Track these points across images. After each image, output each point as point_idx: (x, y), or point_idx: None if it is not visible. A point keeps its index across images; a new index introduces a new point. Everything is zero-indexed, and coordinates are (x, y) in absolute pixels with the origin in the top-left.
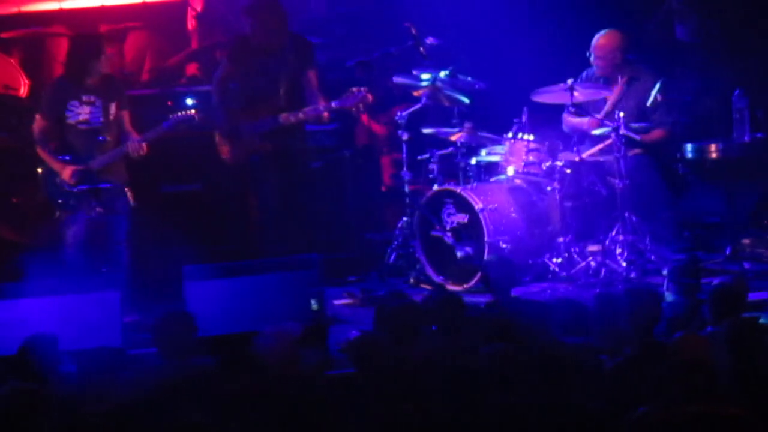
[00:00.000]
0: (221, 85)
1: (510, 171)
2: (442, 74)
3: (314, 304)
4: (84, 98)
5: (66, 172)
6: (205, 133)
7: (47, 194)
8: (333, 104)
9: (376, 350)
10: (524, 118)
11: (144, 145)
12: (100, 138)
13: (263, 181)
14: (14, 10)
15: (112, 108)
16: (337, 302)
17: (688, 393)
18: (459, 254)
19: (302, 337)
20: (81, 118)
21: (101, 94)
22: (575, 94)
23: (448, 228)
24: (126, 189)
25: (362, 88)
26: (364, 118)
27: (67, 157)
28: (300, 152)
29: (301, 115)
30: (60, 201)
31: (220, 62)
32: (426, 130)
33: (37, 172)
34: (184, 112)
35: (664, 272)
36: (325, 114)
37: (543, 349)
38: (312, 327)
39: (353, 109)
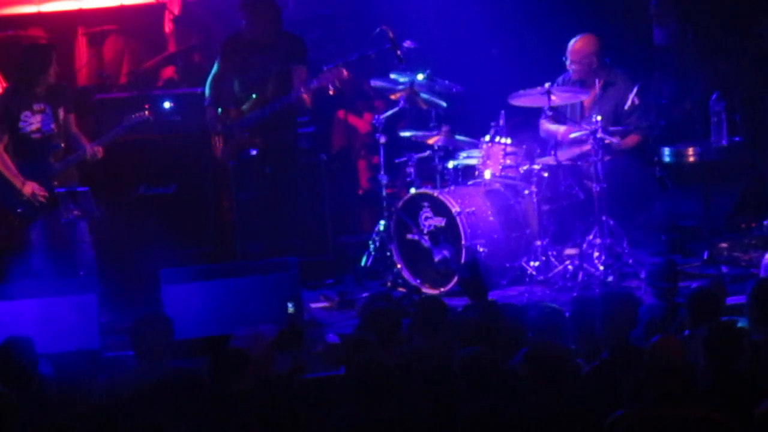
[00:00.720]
0: (214, 86)
1: (487, 174)
2: (420, 77)
3: (290, 308)
4: (35, 107)
5: (27, 189)
6: (179, 136)
7: (4, 203)
8: (312, 83)
9: (360, 351)
10: (501, 122)
11: (100, 149)
12: (53, 145)
13: (247, 178)
14: None
15: (61, 113)
16: (313, 305)
17: (665, 396)
18: (436, 258)
19: (277, 340)
20: (34, 127)
21: (50, 100)
22: (552, 97)
23: (425, 231)
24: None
25: (338, 63)
26: (341, 113)
27: (25, 166)
28: (288, 148)
29: (278, 106)
30: (20, 210)
31: (215, 62)
32: (403, 134)
33: None
34: (139, 114)
35: (642, 276)
36: (305, 96)
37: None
38: (288, 330)
39: (330, 86)
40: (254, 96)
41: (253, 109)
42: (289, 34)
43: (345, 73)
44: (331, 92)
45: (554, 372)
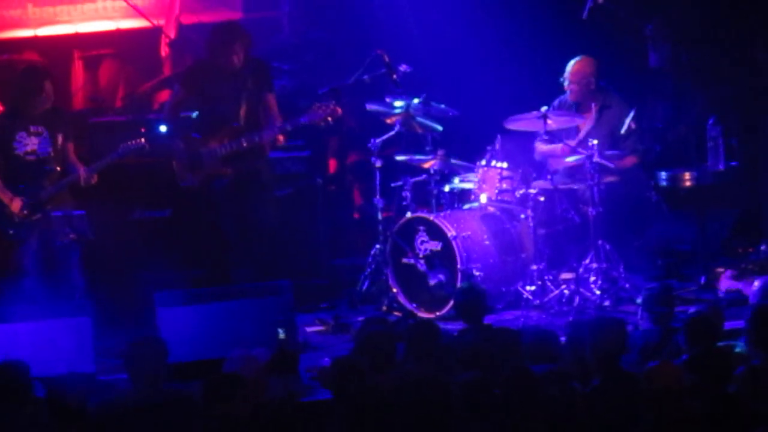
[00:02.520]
0: (172, 112)
1: (483, 198)
2: (415, 101)
3: (281, 333)
4: (32, 129)
5: (15, 205)
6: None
7: None
8: (300, 119)
9: (353, 376)
10: (497, 146)
11: (95, 175)
12: (47, 168)
13: (224, 206)
14: None
15: (59, 139)
16: (308, 329)
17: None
18: (431, 282)
19: (270, 364)
20: (29, 148)
21: (48, 124)
22: (548, 121)
23: (420, 255)
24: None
25: (330, 102)
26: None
27: (21, 186)
28: (261, 175)
29: (257, 138)
30: (11, 232)
31: (175, 89)
32: (399, 158)
33: None
34: (134, 141)
35: (638, 300)
36: (280, 137)
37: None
38: (281, 353)
39: (322, 122)
40: (226, 125)
41: (227, 139)
42: (254, 60)
43: (338, 111)
44: (322, 126)
45: (528, 396)
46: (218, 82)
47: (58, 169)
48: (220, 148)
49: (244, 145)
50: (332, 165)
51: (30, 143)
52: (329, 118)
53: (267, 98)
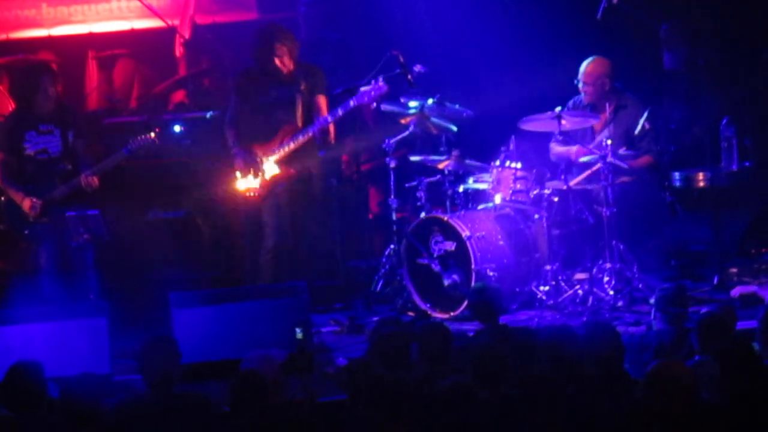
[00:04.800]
0: (233, 125)
1: (497, 199)
2: (430, 102)
3: (299, 333)
4: (41, 128)
5: (27, 205)
6: (189, 160)
7: (12, 225)
8: (349, 103)
9: (368, 376)
10: (512, 146)
11: (95, 178)
12: (60, 167)
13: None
14: (3, 37)
15: (70, 136)
16: (323, 329)
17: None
18: (446, 282)
19: (287, 364)
20: (40, 148)
21: (58, 122)
22: (563, 122)
23: (435, 255)
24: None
25: (379, 79)
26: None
27: (32, 186)
28: (313, 177)
29: (311, 132)
30: (26, 232)
31: (228, 102)
32: (413, 158)
33: (1, 201)
34: (141, 137)
35: (652, 300)
36: (331, 131)
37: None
38: (297, 354)
39: (372, 103)
40: (283, 128)
41: (282, 140)
42: (307, 65)
43: (386, 88)
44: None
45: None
46: (270, 88)
47: (70, 167)
48: (278, 149)
49: (300, 139)
50: (347, 166)
51: (41, 142)
52: (378, 98)
53: (318, 100)
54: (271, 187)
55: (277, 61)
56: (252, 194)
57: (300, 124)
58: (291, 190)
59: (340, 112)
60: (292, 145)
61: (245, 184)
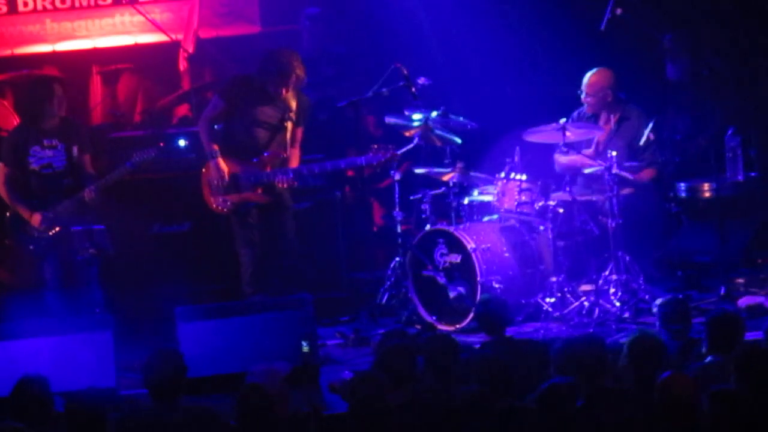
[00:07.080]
0: (208, 124)
1: (502, 211)
2: (434, 114)
3: (305, 346)
4: (45, 142)
5: (35, 219)
6: (194, 173)
7: (17, 240)
8: (358, 160)
9: (373, 390)
10: (516, 158)
11: (94, 194)
12: (65, 181)
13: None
14: (8, 52)
15: (74, 151)
16: (329, 342)
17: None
18: (451, 294)
19: (291, 377)
20: (44, 162)
21: (62, 137)
22: (567, 133)
23: (440, 268)
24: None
25: (390, 146)
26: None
27: (35, 202)
28: (284, 197)
29: (317, 169)
30: (31, 247)
31: (210, 100)
32: (418, 170)
33: (6, 216)
34: (143, 151)
35: (654, 310)
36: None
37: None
38: (302, 367)
39: (378, 167)
40: (255, 148)
41: (265, 168)
42: (298, 93)
43: (397, 155)
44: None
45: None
46: (260, 105)
47: (75, 182)
48: (262, 177)
49: (284, 180)
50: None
51: (45, 156)
52: (387, 162)
53: (298, 132)
54: (240, 205)
55: (284, 91)
56: (220, 209)
57: (286, 152)
58: (260, 207)
59: (342, 165)
60: (276, 183)
61: (214, 199)
